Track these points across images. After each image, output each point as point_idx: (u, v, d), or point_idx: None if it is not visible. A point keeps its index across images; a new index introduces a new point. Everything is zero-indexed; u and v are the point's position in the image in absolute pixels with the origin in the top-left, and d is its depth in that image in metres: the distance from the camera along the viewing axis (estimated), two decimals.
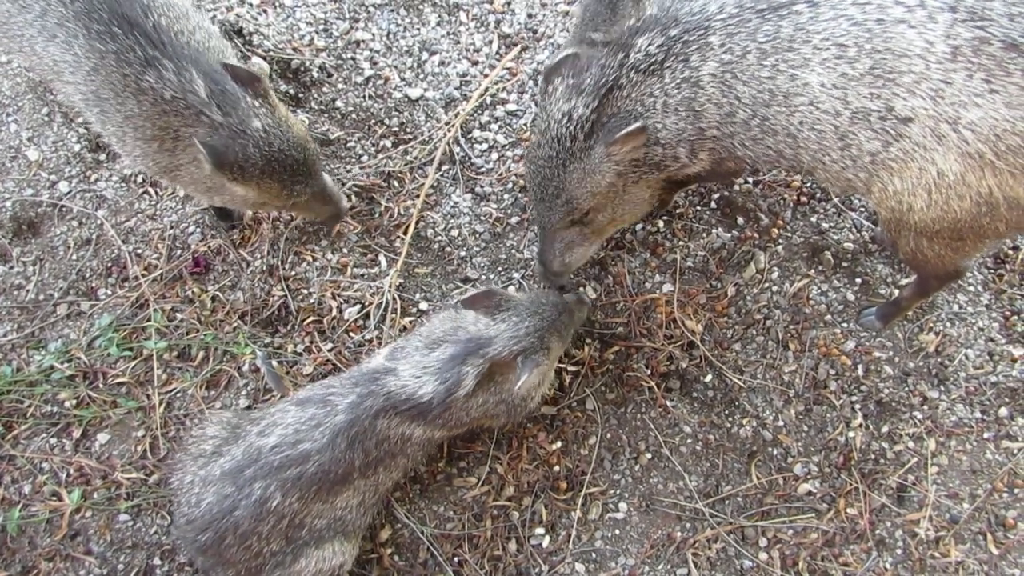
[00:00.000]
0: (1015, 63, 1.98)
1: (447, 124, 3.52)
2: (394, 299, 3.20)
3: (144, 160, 2.68)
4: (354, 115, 3.56)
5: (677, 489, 2.96)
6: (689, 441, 3.02)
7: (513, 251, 3.32)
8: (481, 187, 3.44)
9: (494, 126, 3.55)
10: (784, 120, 2.33)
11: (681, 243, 3.31)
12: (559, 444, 3.00)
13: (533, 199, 2.77)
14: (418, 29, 3.77)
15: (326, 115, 3.54)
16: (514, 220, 3.38)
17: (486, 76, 3.66)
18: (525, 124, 3.54)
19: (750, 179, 3.41)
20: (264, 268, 3.26)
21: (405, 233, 3.33)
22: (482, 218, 3.38)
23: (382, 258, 3.30)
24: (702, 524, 2.90)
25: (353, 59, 3.68)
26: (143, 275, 3.24)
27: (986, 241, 2.41)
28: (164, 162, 2.67)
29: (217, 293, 3.23)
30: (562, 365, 3.04)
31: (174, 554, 2.88)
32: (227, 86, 2.52)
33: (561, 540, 2.90)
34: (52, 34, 2.50)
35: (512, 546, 2.89)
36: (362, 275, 3.28)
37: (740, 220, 3.35)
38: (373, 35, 3.74)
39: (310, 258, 3.29)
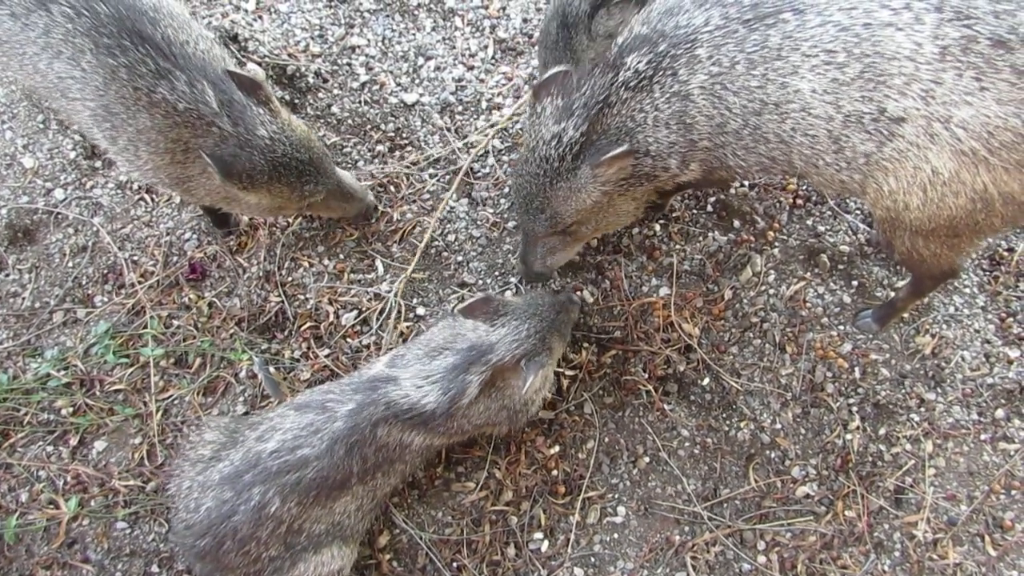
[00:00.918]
0: (1003, 60, 2.00)
1: (468, 145, 3.52)
2: (399, 305, 3.19)
3: (156, 173, 2.67)
4: (350, 120, 3.56)
5: (675, 493, 2.96)
6: (687, 444, 3.02)
7: (510, 255, 3.32)
8: (477, 192, 3.45)
9: (490, 131, 3.55)
10: (776, 127, 2.35)
11: (678, 247, 3.31)
12: (557, 448, 3.00)
13: (518, 209, 2.80)
14: (413, 34, 3.77)
15: (322, 121, 3.54)
16: (511, 225, 3.38)
17: (481, 80, 3.66)
18: (521, 129, 3.55)
19: (746, 183, 3.42)
20: (261, 274, 3.25)
21: (402, 240, 3.34)
22: (479, 223, 3.38)
23: (379, 263, 3.30)
24: (700, 527, 2.90)
25: (348, 65, 3.68)
26: (139, 282, 3.24)
27: (981, 237, 2.43)
28: (176, 174, 2.66)
29: (214, 299, 3.22)
30: (559, 369, 3.04)
31: (172, 561, 2.87)
32: (234, 95, 2.53)
33: (560, 545, 2.90)
34: (57, 51, 2.47)
35: (511, 551, 2.89)
36: (359, 281, 3.28)
37: (736, 223, 3.35)
38: (368, 40, 3.75)
39: (307, 264, 3.29)
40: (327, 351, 3.14)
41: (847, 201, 3.37)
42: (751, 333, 3.17)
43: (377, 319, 3.19)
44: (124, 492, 2.94)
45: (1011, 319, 3.15)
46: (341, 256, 3.32)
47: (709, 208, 3.40)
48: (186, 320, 3.17)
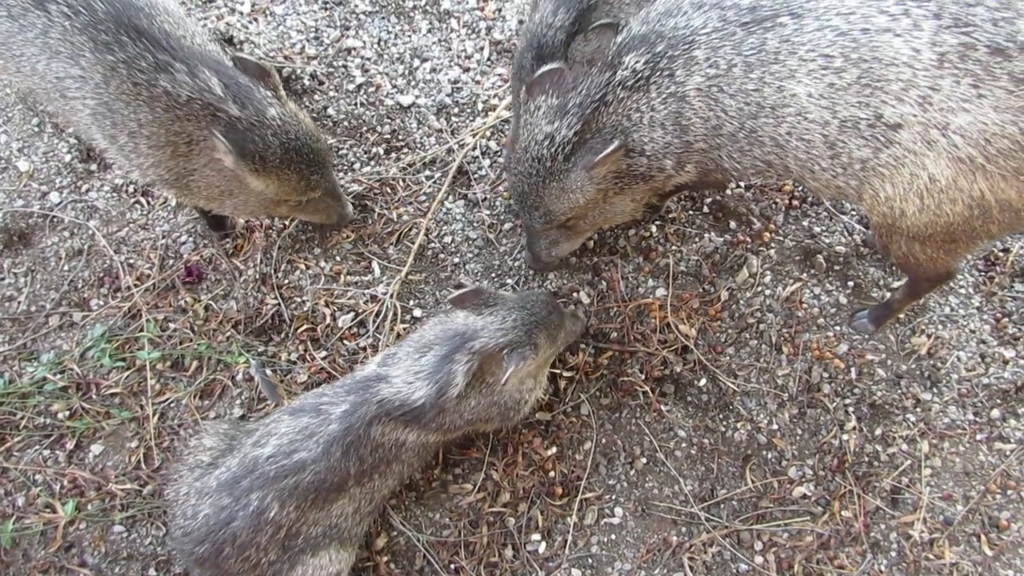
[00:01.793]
0: (1001, 67, 2.00)
1: (460, 144, 3.52)
2: (395, 307, 3.19)
3: (157, 169, 2.65)
4: (346, 123, 3.56)
5: (672, 493, 2.96)
6: (684, 445, 3.03)
7: (506, 257, 3.32)
8: (473, 193, 3.45)
9: (486, 132, 3.55)
10: (772, 131, 2.35)
11: (674, 248, 3.32)
12: (554, 450, 3.01)
13: (515, 204, 2.84)
14: (409, 36, 3.77)
15: (318, 123, 3.54)
16: (507, 226, 3.38)
17: (477, 82, 3.67)
18: (510, 130, 3.55)
19: (742, 184, 3.42)
20: (257, 277, 3.25)
21: (398, 242, 3.34)
22: (475, 224, 3.38)
23: (375, 265, 3.30)
24: (698, 528, 2.91)
25: (344, 67, 3.68)
26: (135, 285, 3.23)
27: (978, 242, 2.43)
28: (177, 168, 2.65)
29: (210, 302, 3.22)
30: (556, 371, 3.04)
31: (169, 565, 2.87)
32: (239, 78, 2.53)
33: (557, 546, 2.90)
34: (55, 50, 2.46)
35: (508, 552, 2.89)
36: (355, 283, 3.27)
37: (732, 224, 3.36)
38: (364, 42, 3.74)
39: (303, 266, 3.29)
40: (324, 353, 3.14)
41: (843, 202, 3.38)
42: (747, 334, 3.17)
43: (374, 321, 3.19)
44: (121, 496, 2.94)
45: (1006, 319, 3.16)
46: (337, 258, 3.32)
47: (705, 209, 3.40)
48: (182, 323, 3.17)
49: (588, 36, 2.62)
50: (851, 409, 3.04)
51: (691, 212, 3.40)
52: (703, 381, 3.11)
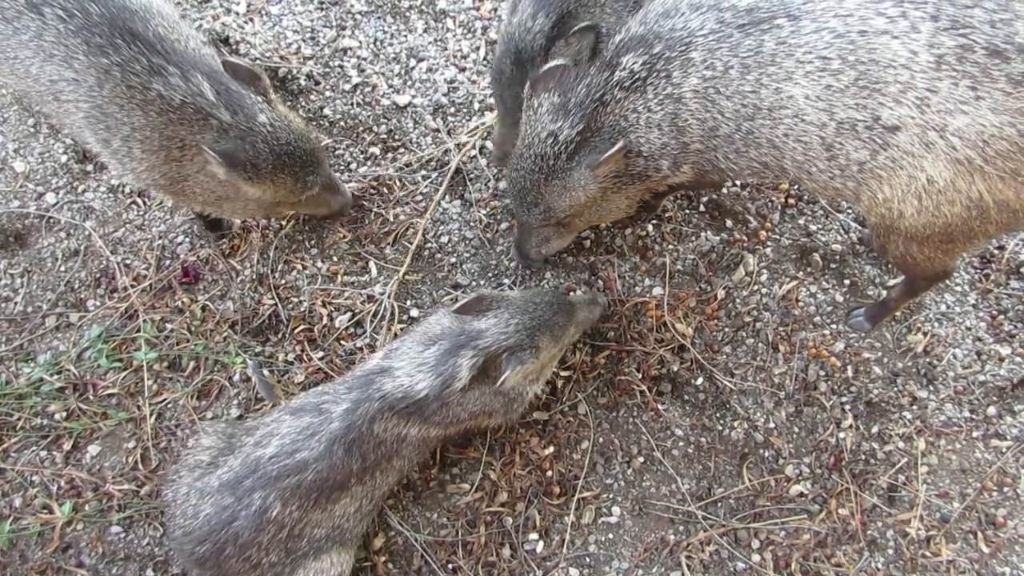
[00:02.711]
0: (999, 69, 2.00)
1: (457, 145, 3.52)
2: (392, 307, 3.19)
3: (151, 173, 2.64)
4: (342, 123, 3.56)
5: (670, 492, 2.97)
6: (681, 444, 3.03)
7: (503, 257, 3.32)
8: (470, 193, 3.45)
9: (478, 131, 3.55)
10: (768, 133, 2.35)
11: (670, 247, 3.32)
12: (552, 449, 3.01)
13: (513, 201, 2.83)
14: (405, 36, 3.77)
15: (314, 123, 3.54)
16: (503, 226, 3.38)
17: (473, 82, 3.67)
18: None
19: (738, 182, 3.43)
20: (254, 277, 3.25)
21: (395, 242, 3.34)
22: (471, 224, 3.38)
23: (372, 265, 3.30)
24: (695, 527, 2.91)
25: (340, 67, 3.68)
26: (132, 286, 3.23)
27: (975, 242, 2.44)
28: (171, 173, 2.64)
29: (207, 303, 3.22)
30: (554, 370, 3.04)
31: (167, 565, 2.87)
32: (230, 85, 2.52)
33: (555, 545, 2.90)
34: (49, 53, 2.45)
35: (506, 552, 2.89)
36: (352, 283, 3.27)
37: (729, 223, 3.36)
38: (360, 42, 3.74)
39: (300, 266, 3.29)
40: (321, 353, 3.14)
41: (838, 201, 3.38)
42: (744, 332, 3.18)
43: (371, 321, 3.19)
44: (118, 496, 2.93)
45: (1002, 316, 3.17)
46: (334, 258, 3.32)
47: (701, 208, 3.41)
48: (179, 324, 3.17)
49: (569, 40, 2.62)
50: (848, 407, 3.05)
51: (687, 211, 3.40)
52: (700, 380, 3.11)
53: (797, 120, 2.28)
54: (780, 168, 2.46)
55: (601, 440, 3.04)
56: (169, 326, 3.17)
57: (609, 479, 2.99)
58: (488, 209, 3.41)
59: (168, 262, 3.30)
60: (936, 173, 2.16)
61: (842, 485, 2.93)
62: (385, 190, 3.44)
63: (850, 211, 3.37)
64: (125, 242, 3.33)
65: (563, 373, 3.09)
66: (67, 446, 3.01)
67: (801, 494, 2.93)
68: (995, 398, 3.05)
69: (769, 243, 3.32)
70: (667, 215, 3.38)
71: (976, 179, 2.14)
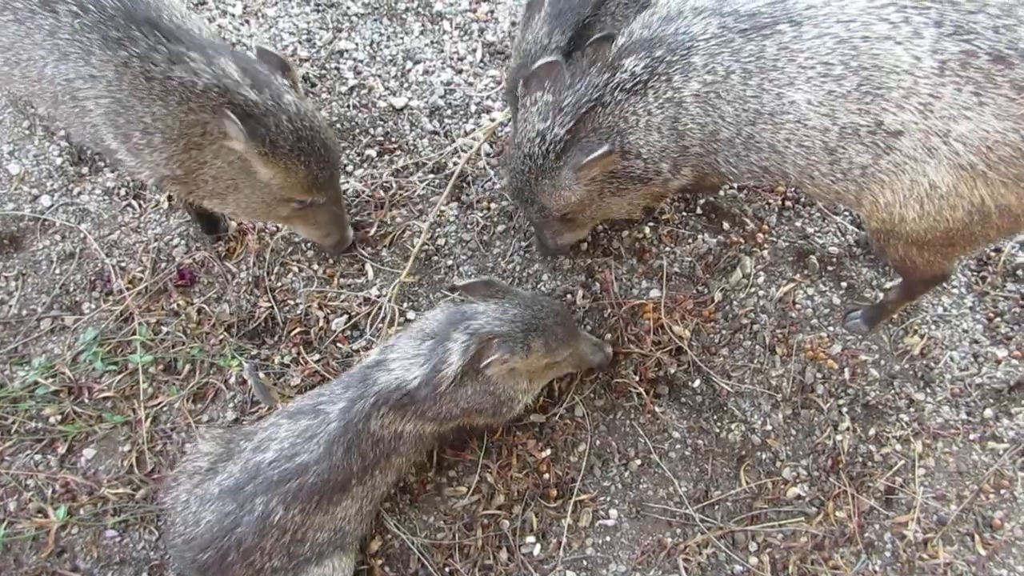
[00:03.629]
0: (1003, 75, 2.00)
1: (461, 148, 3.51)
2: (392, 310, 3.19)
3: (169, 164, 2.60)
4: (339, 125, 3.55)
5: (667, 495, 2.96)
6: (678, 447, 3.02)
7: (500, 259, 3.32)
8: (467, 195, 3.44)
9: (479, 134, 3.55)
10: (770, 137, 2.35)
11: (668, 249, 3.32)
12: (549, 452, 3.00)
13: (513, 198, 2.85)
14: (401, 38, 3.77)
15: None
16: (500, 228, 3.38)
17: (470, 84, 3.66)
18: (509, 132, 3.55)
19: (735, 185, 3.43)
20: (250, 280, 3.24)
21: (391, 244, 3.33)
22: (468, 226, 3.38)
23: (369, 268, 3.29)
24: (692, 530, 2.91)
25: (337, 69, 3.68)
26: (127, 288, 3.22)
27: (976, 247, 2.44)
28: (189, 162, 2.60)
29: (203, 305, 3.21)
30: None
31: (162, 569, 2.85)
32: (256, 65, 2.51)
33: (552, 548, 2.90)
34: (64, 52, 2.41)
35: (503, 555, 2.88)
36: (349, 285, 3.27)
37: (726, 225, 3.36)
38: (356, 44, 3.74)
39: (296, 269, 3.28)
40: (317, 356, 3.13)
41: (839, 205, 3.38)
42: (741, 335, 3.18)
43: (368, 324, 3.18)
44: (114, 500, 2.92)
45: (999, 319, 3.17)
46: (330, 261, 3.31)
47: (698, 210, 3.41)
48: (175, 326, 3.15)
49: (586, 52, 2.62)
50: (845, 409, 3.04)
51: (684, 213, 3.40)
52: (697, 382, 3.11)
53: (799, 125, 2.28)
54: (781, 172, 2.45)
55: (598, 443, 3.04)
56: (165, 329, 3.16)
57: (606, 482, 2.99)
58: (485, 211, 3.40)
59: (164, 265, 3.29)
60: (939, 178, 2.16)
61: (839, 487, 2.93)
62: (382, 192, 3.43)
63: (847, 214, 3.37)
64: (120, 245, 3.32)
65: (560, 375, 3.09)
66: (62, 449, 2.99)
67: (798, 496, 2.93)
68: (992, 400, 3.05)
69: (766, 245, 3.32)
70: (664, 217, 3.38)
71: (979, 184, 2.14)
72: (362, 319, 3.20)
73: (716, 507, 2.94)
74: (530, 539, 2.90)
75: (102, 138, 2.60)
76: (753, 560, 2.85)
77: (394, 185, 3.44)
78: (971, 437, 3.00)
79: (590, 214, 2.84)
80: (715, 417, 3.06)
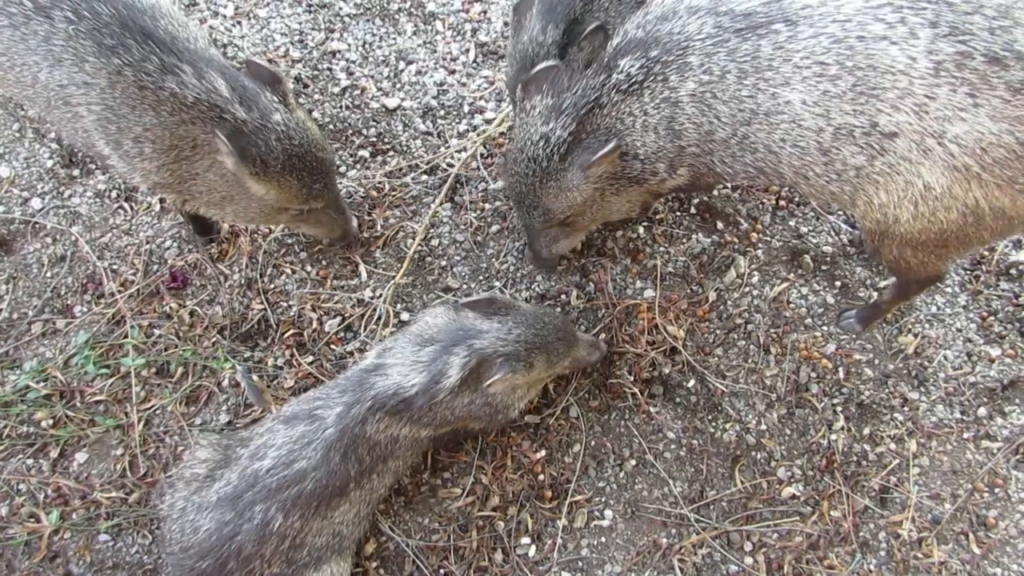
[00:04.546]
0: (998, 76, 1.99)
1: (457, 151, 3.50)
2: (387, 312, 3.18)
3: (160, 172, 2.61)
4: (331, 126, 3.54)
5: (662, 495, 2.96)
6: (673, 447, 3.02)
7: (493, 260, 3.31)
8: (460, 196, 3.44)
9: (473, 135, 3.54)
10: (765, 138, 2.35)
11: (662, 249, 3.31)
12: (543, 452, 3.00)
13: (513, 204, 2.83)
14: (394, 39, 3.75)
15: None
16: (494, 229, 3.37)
17: (463, 85, 3.65)
18: (503, 133, 3.54)
19: (728, 185, 3.43)
20: (243, 282, 3.23)
21: (385, 246, 3.32)
22: (462, 227, 3.37)
23: (362, 269, 3.28)
24: (687, 530, 2.90)
25: (329, 69, 3.66)
26: (119, 291, 3.20)
27: (970, 248, 2.44)
28: (180, 171, 2.61)
29: (195, 308, 3.19)
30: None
31: (156, 574, 2.84)
32: (245, 82, 2.51)
33: (547, 549, 2.89)
34: (58, 58, 2.41)
35: (498, 556, 2.88)
36: (342, 287, 3.26)
37: (720, 225, 3.36)
38: (349, 45, 3.73)
39: (289, 271, 3.27)
40: (311, 358, 3.12)
41: (834, 205, 3.38)
42: (735, 335, 3.17)
43: (362, 326, 3.17)
44: (106, 504, 2.91)
45: (992, 318, 3.18)
46: (323, 262, 3.30)
47: (692, 210, 3.40)
48: (167, 329, 3.14)
49: (581, 45, 2.61)
50: (839, 409, 3.05)
51: (678, 213, 3.40)
52: (692, 382, 3.10)
53: (794, 125, 2.27)
54: (777, 173, 2.45)
55: (593, 443, 3.03)
56: (157, 332, 3.14)
57: (601, 482, 2.98)
58: (479, 212, 3.40)
59: (156, 267, 3.27)
60: (933, 179, 2.16)
61: (834, 487, 2.93)
62: (375, 193, 3.42)
63: (840, 213, 3.37)
64: (112, 247, 3.31)
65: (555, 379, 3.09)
66: (54, 454, 2.98)
67: (793, 496, 2.93)
68: (985, 399, 3.06)
69: (760, 245, 3.31)
70: (658, 217, 3.38)
71: (973, 186, 2.13)
72: (356, 321, 3.19)
73: (711, 507, 2.94)
74: (525, 540, 2.90)
75: (94, 144, 2.60)
76: (748, 560, 2.85)
77: (387, 186, 3.43)
78: (965, 436, 3.01)
79: (590, 216, 2.83)
80: (710, 417, 3.06)
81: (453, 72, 3.69)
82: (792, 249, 3.31)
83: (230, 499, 2.43)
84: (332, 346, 3.15)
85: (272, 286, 3.24)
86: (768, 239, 3.33)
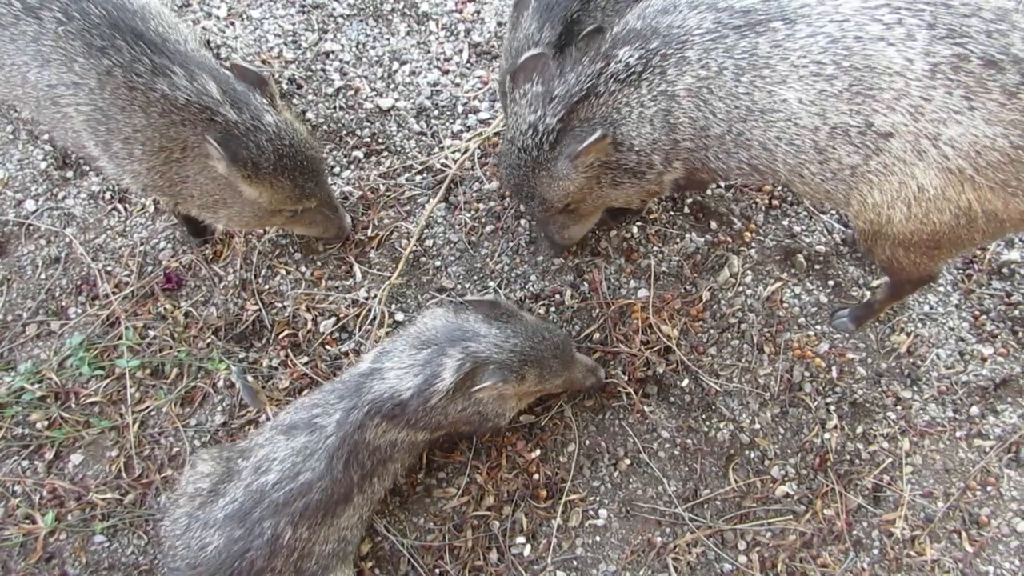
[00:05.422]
0: (994, 80, 2.00)
1: (454, 152, 3.50)
2: (382, 312, 3.18)
3: (150, 175, 2.61)
4: (325, 127, 3.54)
5: (656, 494, 2.97)
6: (667, 446, 3.03)
7: (488, 260, 3.31)
8: (455, 196, 3.44)
9: (466, 135, 3.55)
10: (760, 135, 2.35)
11: (655, 248, 3.32)
12: (538, 452, 3.00)
13: (512, 196, 2.82)
14: (388, 39, 3.75)
15: (308, 131, 3.51)
16: (488, 229, 3.37)
17: (457, 85, 3.66)
18: (497, 133, 3.54)
19: (722, 184, 3.43)
20: (237, 282, 3.23)
21: (379, 246, 3.33)
22: (456, 227, 3.37)
23: (357, 270, 3.28)
24: (682, 529, 2.91)
25: (323, 70, 3.66)
26: (114, 293, 3.20)
27: (962, 249, 2.45)
28: (171, 174, 2.61)
29: (190, 309, 3.20)
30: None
31: (152, 575, 2.84)
32: (236, 85, 2.51)
33: (542, 548, 2.90)
34: (47, 58, 2.41)
35: (493, 556, 2.88)
36: (337, 287, 3.26)
37: (713, 225, 3.37)
38: (342, 46, 3.73)
39: (284, 271, 3.27)
40: (306, 359, 3.12)
41: (828, 204, 3.39)
42: (729, 334, 3.18)
43: (357, 326, 3.18)
44: (102, 505, 2.91)
45: (984, 317, 3.19)
46: (318, 263, 3.30)
47: (686, 210, 3.41)
48: (162, 330, 3.14)
49: (578, 46, 2.61)
50: (832, 408, 3.05)
51: (672, 213, 3.41)
52: (685, 381, 3.11)
53: (790, 123, 2.28)
54: (771, 170, 2.45)
55: (587, 443, 3.04)
56: (152, 333, 3.15)
57: (596, 481, 2.99)
58: (473, 212, 3.40)
59: (150, 268, 3.27)
60: (927, 181, 2.16)
61: (827, 486, 2.94)
62: (369, 194, 3.43)
63: (833, 212, 3.38)
64: (106, 249, 3.31)
65: None
66: (49, 455, 2.98)
67: (787, 495, 2.94)
68: (978, 398, 3.07)
69: (753, 244, 3.32)
70: (652, 217, 3.38)
71: (966, 189, 2.14)
72: (350, 321, 3.19)
73: (705, 506, 2.95)
74: (520, 540, 2.90)
75: (84, 145, 2.60)
76: (742, 559, 2.86)
77: (382, 187, 3.44)
78: (958, 434, 3.02)
79: (592, 203, 2.82)
80: (703, 416, 3.07)
81: (447, 72, 3.69)
82: (785, 248, 3.32)
83: (238, 515, 2.41)
84: (327, 347, 3.15)
85: (267, 287, 3.24)
86: (761, 238, 3.34)
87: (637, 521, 2.94)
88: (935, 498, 2.93)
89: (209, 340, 3.14)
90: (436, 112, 3.60)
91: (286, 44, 3.70)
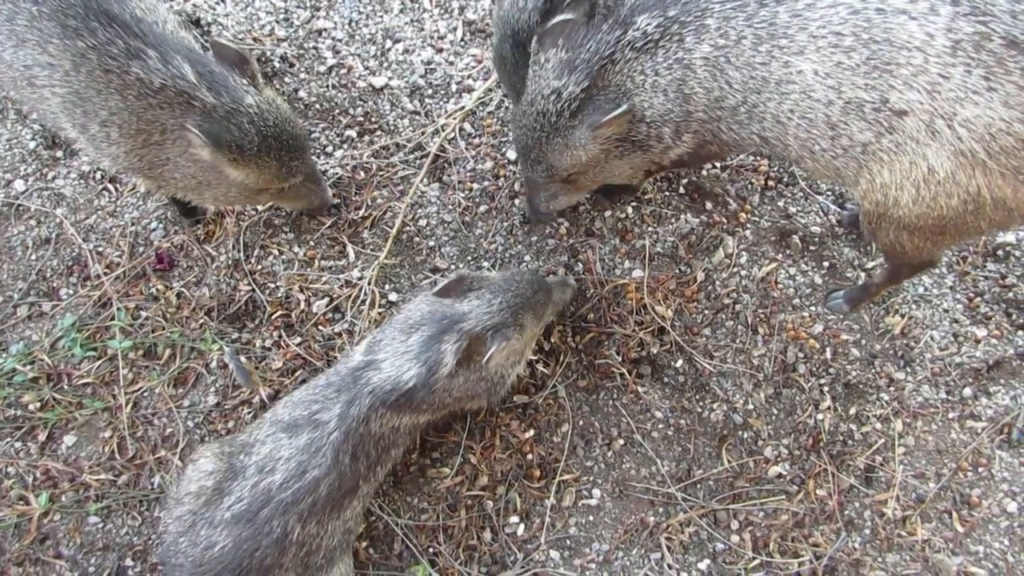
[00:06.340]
0: (1015, 61, 1.94)
1: (439, 128, 3.47)
2: (372, 293, 3.17)
3: (129, 157, 2.58)
4: (318, 105, 3.51)
5: (650, 474, 2.98)
6: (661, 426, 3.04)
7: (482, 240, 3.30)
8: (448, 176, 3.42)
9: (458, 115, 3.52)
10: (774, 107, 2.30)
11: (650, 229, 3.31)
12: (532, 432, 3.01)
13: (518, 156, 2.79)
14: (381, 17, 3.71)
15: (289, 106, 3.48)
16: (482, 209, 3.35)
17: (451, 63, 3.62)
18: (490, 112, 3.51)
19: (718, 164, 3.41)
20: (230, 263, 3.21)
21: (372, 226, 3.31)
22: (450, 207, 3.36)
23: (350, 250, 3.27)
24: (675, 508, 2.93)
25: (315, 48, 3.62)
26: (105, 273, 3.19)
27: (967, 237, 2.41)
28: (150, 157, 2.59)
29: (182, 289, 3.18)
30: (533, 357, 3.04)
31: (146, 555, 2.86)
32: (213, 67, 2.47)
33: (535, 528, 2.91)
34: (22, 38, 2.38)
35: (487, 535, 2.90)
36: (330, 268, 3.24)
37: (708, 205, 3.35)
38: (335, 23, 3.68)
39: (276, 251, 3.25)
40: (299, 339, 3.11)
41: (818, 182, 3.38)
42: (724, 315, 3.18)
43: (349, 306, 3.17)
44: (95, 486, 2.91)
45: (979, 299, 3.18)
46: (311, 243, 3.29)
47: (681, 190, 3.39)
48: (154, 311, 3.13)
49: (565, 11, 2.57)
50: (826, 389, 3.06)
51: (667, 193, 3.39)
52: (679, 362, 3.11)
53: (804, 96, 2.23)
54: (782, 144, 2.40)
55: (581, 423, 3.05)
56: (144, 314, 3.13)
57: (589, 462, 3.00)
58: (467, 192, 3.38)
59: (142, 249, 3.25)
60: (938, 163, 2.12)
61: (820, 466, 2.95)
62: (362, 173, 3.40)
63: (829, 193, 3.36)
64: (97, 229, 3.28)
65: (543, 356, 3.09)
66: (42, 437, 2.98)
67: (780, 475, 2.95)
68: (971, 380, 3.07)
69: (749, 225, 3.31)
70: (647, 197, 3.37)
71: (977, 173, 2.09)
72: (344, 301, 3.18)
73: (698, 486, 2.96)
74: (514, 519, 2.92)
75: (62, 126, 2.58)
76: (735, 538, 2.88)
77: (375, 166, 3.41)
78: (950, 416, 3.03)
79: (593, 176, 2.79)
80: (697, 397, 3.08)
81: (441, 51, 3.65)
82: (780, 229, 3.31)
83: (246, 516, 2.39)
84: (320, 327, 3.14)
85: (259, 267, 3.22)
86: (756, 219, 3.32)
87: (630, 501, 2.95)
88: (927, 479, 2.94)
89: (202, 321, 3.13)
90: (430, 91, 3.57)
91: (278, 22, 3.65)
